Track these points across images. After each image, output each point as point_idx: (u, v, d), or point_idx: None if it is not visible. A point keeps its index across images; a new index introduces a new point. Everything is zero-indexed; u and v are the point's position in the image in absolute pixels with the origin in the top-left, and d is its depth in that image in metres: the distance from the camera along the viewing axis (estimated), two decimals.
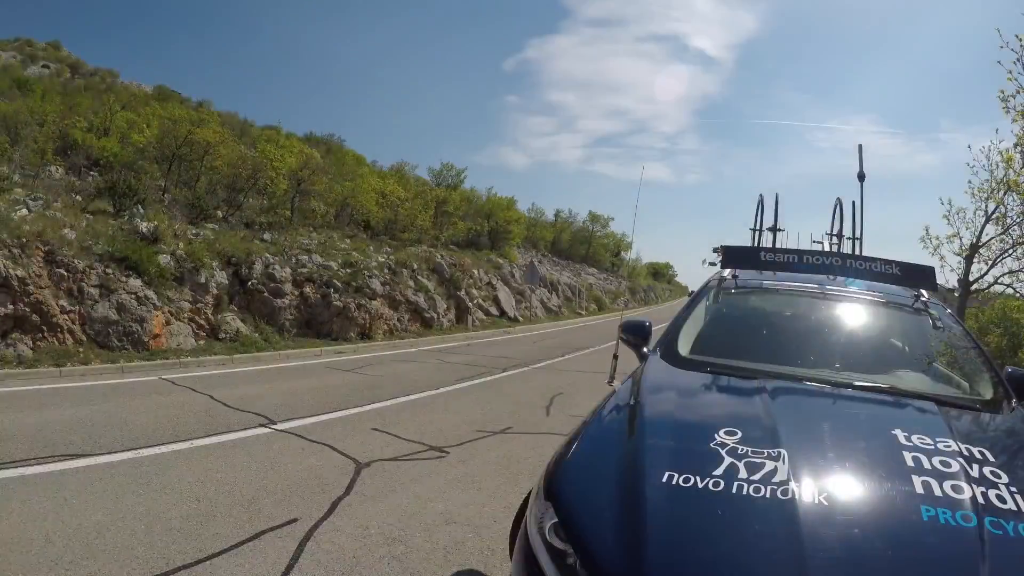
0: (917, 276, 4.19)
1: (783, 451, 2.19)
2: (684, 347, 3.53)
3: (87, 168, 18.76)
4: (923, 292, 4.07)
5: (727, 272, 4.37)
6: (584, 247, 48.01)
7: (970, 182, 8.90)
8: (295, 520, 4.38)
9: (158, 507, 4.58)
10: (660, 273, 75.62)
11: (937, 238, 8.97)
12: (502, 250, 31.10)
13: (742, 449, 2.22)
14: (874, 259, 4.25)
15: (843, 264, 4.35)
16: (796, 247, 6.09)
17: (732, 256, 4.59)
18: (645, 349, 3.70)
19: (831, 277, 4.27)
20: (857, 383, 3.06)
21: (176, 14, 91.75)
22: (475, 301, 22.52)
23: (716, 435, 2.32)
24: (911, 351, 3.68)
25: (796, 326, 3.92)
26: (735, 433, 2.33)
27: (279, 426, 7.04)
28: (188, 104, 29.85)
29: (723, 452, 2.21)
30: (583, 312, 33.03)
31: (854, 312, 4.00)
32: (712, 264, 4.96)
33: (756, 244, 7.27)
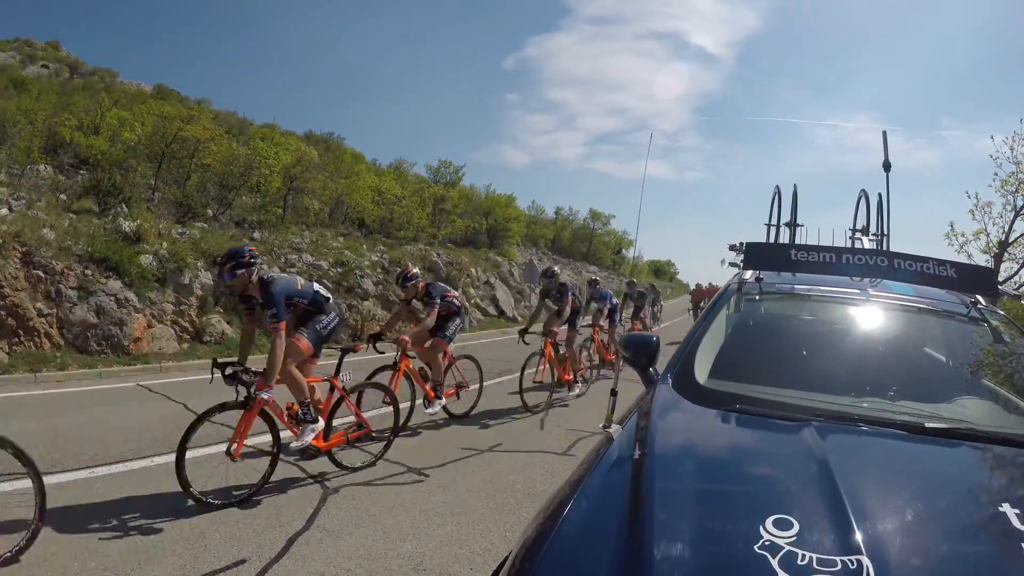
0: (975, 280, 3.54)
1: (864, 562, 1.50)
2: (701, 371, 2.85)
3: (75, 167, 18.27)
4: (979, 299, 3.46)
5: (749, 274, 3.69)
6: (585, 245, 47.48)
7: (996, 175, 8.30)
8: (243, 562, 3.86)
9: (99, 539, 4.11)
10: (662, 271, 75.04)
11: (963, 234, 8.35)
12: (501, 248, 30.55)
13: (802, 556, 1.53)
14: (926, 259, 3.59)
15: (889, 265, 3.65)
16: (814, 244, 5.40)
17: (756, 254, 3.88)
18: (651, 371, 3.02)
19: (866, 280, 3.64)
20: (929, 424, 2.35)
21: (176, 13, 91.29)
22: (472, 300, 22.00)
23: (762, 529, 1.62)
24: (974, 373, 3.04)
25: (837, 342, 3.27)
26: (789, 525, 1.62)
27: (249, 441, 6.49)
28: (187, 103, 29.30)
29: (774, 562, 1.52)
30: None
31: (904, 324, 3.35)
32: (734, 264, 4.33)
33: (773, 240, 6.60)
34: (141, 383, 9.93)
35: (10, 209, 13.05)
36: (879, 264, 3.69)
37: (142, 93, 29.77)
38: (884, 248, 5.68)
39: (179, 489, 4.96)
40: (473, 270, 23.58)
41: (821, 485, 1.81)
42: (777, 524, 1.62)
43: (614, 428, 2.30)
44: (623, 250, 52.62)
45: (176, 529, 4.31)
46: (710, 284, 24.34)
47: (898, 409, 2.56)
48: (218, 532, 4.27)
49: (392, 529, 4.38)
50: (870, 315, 3.38)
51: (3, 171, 15.58)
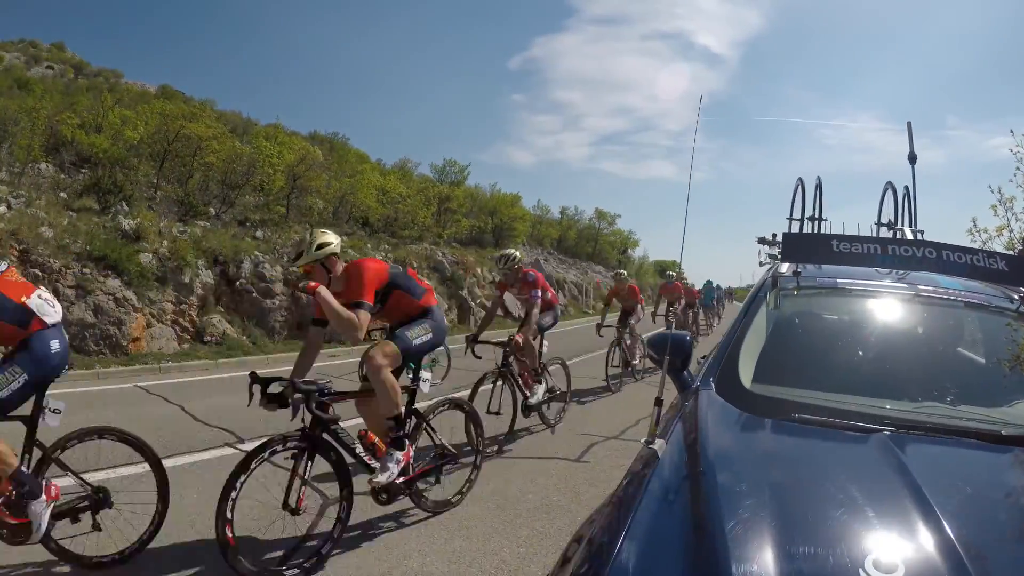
0: None
1: None
2: (746, 374, 2.56)
3: (77, 165, 18.05)
4: None
5: (785, 268, 3.42)
6: (590, 245, 47.14)
7: (1019, 168, 7.93)
8: None
9: (79, 552, 3.79)
10: (667, 271, 74.58)
11: (986, 230, 7.99)
12: (506, 248, 30.25)
13: None
14: (975, 250, 3.31)
15: (938, 257, 3.36)
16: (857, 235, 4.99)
17: (794, 246, 3.56)
18: (686, 374, 2.72)
19: (910, 273, 3.34)
20: (1006, 432, 2.11)
21: (181, 14, 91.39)
22: (478, 300, 21.72)
23: (863, 573, 1.32)
24: None
25: (886, 341, 2.99)
26: (893, 567, 1.32)
27: (246, 445, 6.22)
28: (192, 103, 29.11)
29: None
30: (590, 311, 32.17)
31: (956, 321, 3.10)
32: (772, 257, 4.01)
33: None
34: (139, 384, 9.68)
35: (9, 207, 12.82)
36: (927, 256, 3.37)
37: (147, 93, 29.56)
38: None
39: (172, 499, 4.66)
40: (479, 270, 23.30)
41: (917, 512, 1.52)
42: (879, 566, 1.32)
43: (659, 443, 1.94)
44: (629, 250, 52.33)
45: (163, 544, 3.98)
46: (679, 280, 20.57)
47: (963, 415, 2.32)
48: (209, 547, 3.95)
49: (396, 545, 4.04)
50: (919, 311, 3.12)
51: (3, 169, 15.36)
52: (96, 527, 3.68)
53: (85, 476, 3.79)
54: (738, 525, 1.50)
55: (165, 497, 3.89)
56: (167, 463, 5.53)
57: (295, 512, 3.68)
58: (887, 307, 3.17)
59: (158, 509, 3.84)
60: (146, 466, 3.92)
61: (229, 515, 3.43)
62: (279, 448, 3.71)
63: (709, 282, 23.12)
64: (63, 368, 3.60)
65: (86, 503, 3.68)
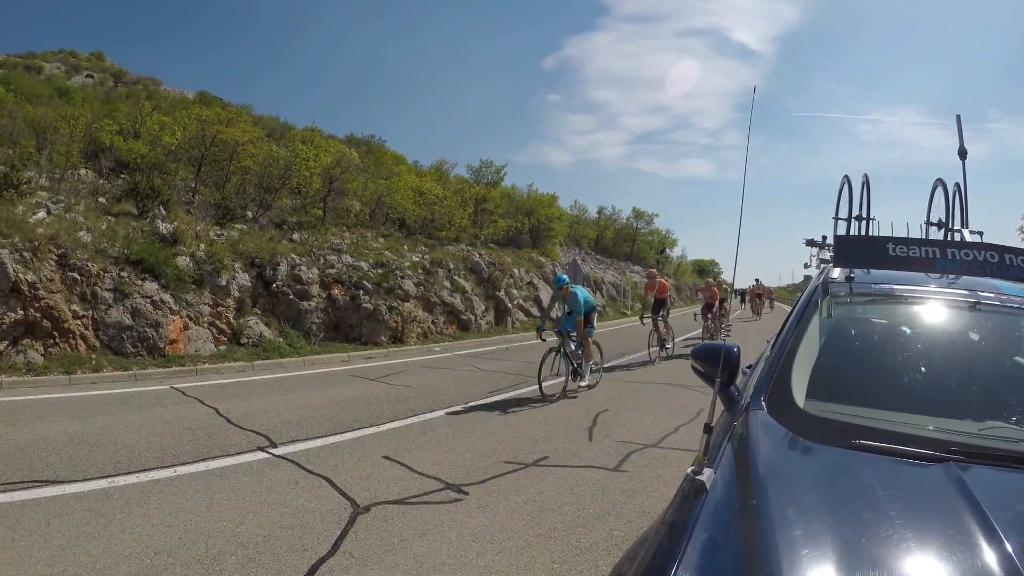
0: None
1: None
2: (799, 390, 2.32)
3: (116, 171, 18.35)
4: None
5: (837, 273, 3.17)
6: (628, 245, 46.68)
7: None
8: None
9: (107, 558, 3.74)
10: (705, 270, 73.84)
11: None
12: (544, 248, 30.06)
13: None
14: None
15: (1000, 261, 3.08)
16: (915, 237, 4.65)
17: (847, 249, 3.34)
18: (732, 389, 2.46)
19: (970, 279, 3.05)
20: None
21: (220, 22, 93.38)
22: (515, 302, 21.50)
23: None
24: None
25: (947, 353, 2.73)
26: None
27: (279, 450, 6.12)
28: (229, 108, 29.58)
29: None
30: (628, 312, 31.74)
31: (1020, 332, 2.82)
32: (825, 261, 3.75)
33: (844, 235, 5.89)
34: (175, 386, 9.69)
35: (48, 212, 13.02)
36: (988, 260, 3.10)
37: (185, 100, 30.07)
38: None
39: (196, 505, 4.58)
40: (516, 270, 23.10)
41: (991, 553, 1.36)
42: None
43: (707, 474, 1.72)
44: (667, 249, 51.72)
45: (187, 551, 3.87)
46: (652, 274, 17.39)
47: None
48: (234, 556, 3.82)
49: (426, 558, 3.82)
50: (982, 321, 2.82)
51: (43, 175, 15.64)
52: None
53: None
54: (798, 567, 1.31)
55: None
56: (199, 468, 5.52)
57: None
58: (947, 316, 2.89)
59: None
60: None
61: None
62: None
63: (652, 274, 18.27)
64: None
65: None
